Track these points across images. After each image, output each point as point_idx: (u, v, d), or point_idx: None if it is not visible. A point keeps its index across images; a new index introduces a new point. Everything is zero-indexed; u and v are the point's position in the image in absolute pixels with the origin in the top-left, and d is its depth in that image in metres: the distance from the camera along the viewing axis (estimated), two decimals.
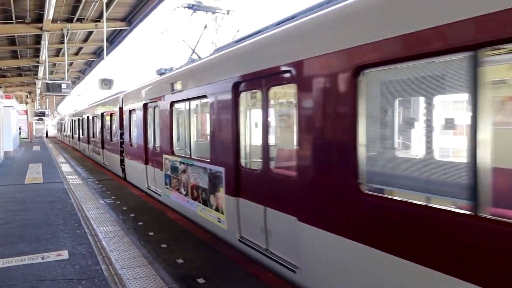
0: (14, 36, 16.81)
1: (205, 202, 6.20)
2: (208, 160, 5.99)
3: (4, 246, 5.59)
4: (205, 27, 9.12)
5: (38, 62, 21.39)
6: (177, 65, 9.12)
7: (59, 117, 52.17)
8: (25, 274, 4.58)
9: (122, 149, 12.65)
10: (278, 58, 4.25)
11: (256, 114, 5.04)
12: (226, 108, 5.36)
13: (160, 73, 9.44)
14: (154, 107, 9.05)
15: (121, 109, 12.61)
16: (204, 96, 6.16)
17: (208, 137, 6.04)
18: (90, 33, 18.28)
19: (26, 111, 41.74)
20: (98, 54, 23.05)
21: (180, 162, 7.23)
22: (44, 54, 18.10)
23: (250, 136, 5.29)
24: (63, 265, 4.85)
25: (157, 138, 8.94)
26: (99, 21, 15.47)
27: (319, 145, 3.64)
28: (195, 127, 7.50)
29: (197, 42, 9.36)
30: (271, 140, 4.80)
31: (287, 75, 4.12)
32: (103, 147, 16.15)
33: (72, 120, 29.61)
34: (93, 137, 18.79)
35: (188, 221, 6.95)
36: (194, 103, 7.23)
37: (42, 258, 5.09)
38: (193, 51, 9.19)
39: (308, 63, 3.76)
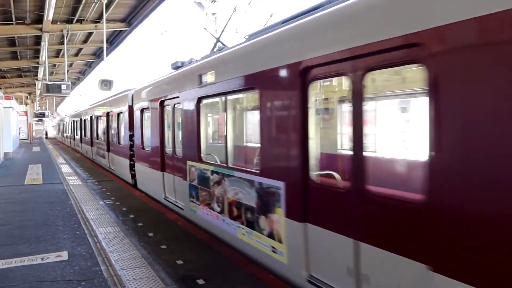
0: (14, 37, 16.84)
1: (251, 225, 4.85)
2: (257, 171, 4.69)
3: (4, 247, 5.59)
4: (234, 10, 8.00)
5: (38, 63, 21.41)
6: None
7: (59, 118, 52.15)
8: (25, 275, 4.57)
9: (132, 152, 11.28)
10: (389, 28, 2.94)
11: (340, 109, 3.92)
12: (288, 102, 4.06)
13: (176, 66, 8.21)
14: (174, 105, 7.68)
15: (130, 107, 11.28)
16: (251, 88, 4.90)
17: (258, 141, 4.73)
18: (90, 34, 18.30)
19: (26, 112, 41.75)
20: (98, 55, 23.06)
21: (212, 172, 5.87)
22: (44, 55, 18.12)
23: (338, 139, 4.12)
24: (63, 266, 4.84)
25: (178, 141, 7.63)
26: (99, 22, 15.49)
27: (484, 155, 2.35)
28: (234, 128, 6.17)
29: (223, 30, 7.95)
30: (370, 145, 3.44)
31: (409, 51, 2.81)
32: (108, 150, 14.93)
33: (73, 121, 28.54)
34: (97, 138, 17.58)
35: (187, 222, 6.94)
36: (233, 98, 5.88)
37: (42, 259, 5.08)
38: (218, 40, 7.92)
39: (455, 29, 2.47)
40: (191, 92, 6.62)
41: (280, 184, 4.20)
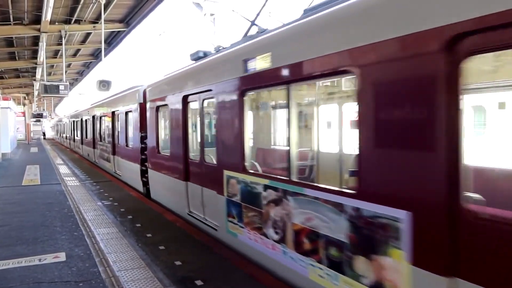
0: (12, 37, 16.82)
1: (337, 266, 3.48)
2: (353, 191, 3.33)
3: (2, 248, 5.56)
4: None
5: (36, 63, 21.41)
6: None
7: (57, 118, 52.03)
8: (23, 276, 4.54)
9: (144, 157, 9.90)
10: None
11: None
12: (420, 88, 2.71)
13: (198, 57, 7.01)
14: (203, 100, 6.35)
15: (142, 105, 9.97)
16: (341, 72, 3.57)
17: (354, 145, 3.37)
18: (88, 34, 18.30)
19: (23, 113, 41.68)
20: (96, 55, 23.05)
21: (266, 187, 4.55)
22: (42, 55, 18.13)
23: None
24: (61, 267, 4.82)
25: (208, 145, 6.49)
26: (97, 23, 15.49)
27: None
28: (299, 128, 4.92)
29: (258, 13, 6.29)
30: None
31: None
32: (114, 153, 13.56)
33: (73, 121, 27.35)
34: (101, 140, 16.11)
35: (185, 222, 6.91)
36: (302, 89, 4.71)
37: (40, 260, 5.06)
38: (253, 23, 6.37)
39: None
40: (230, 83, 5.29)
41: (401, 214, 2.85)
